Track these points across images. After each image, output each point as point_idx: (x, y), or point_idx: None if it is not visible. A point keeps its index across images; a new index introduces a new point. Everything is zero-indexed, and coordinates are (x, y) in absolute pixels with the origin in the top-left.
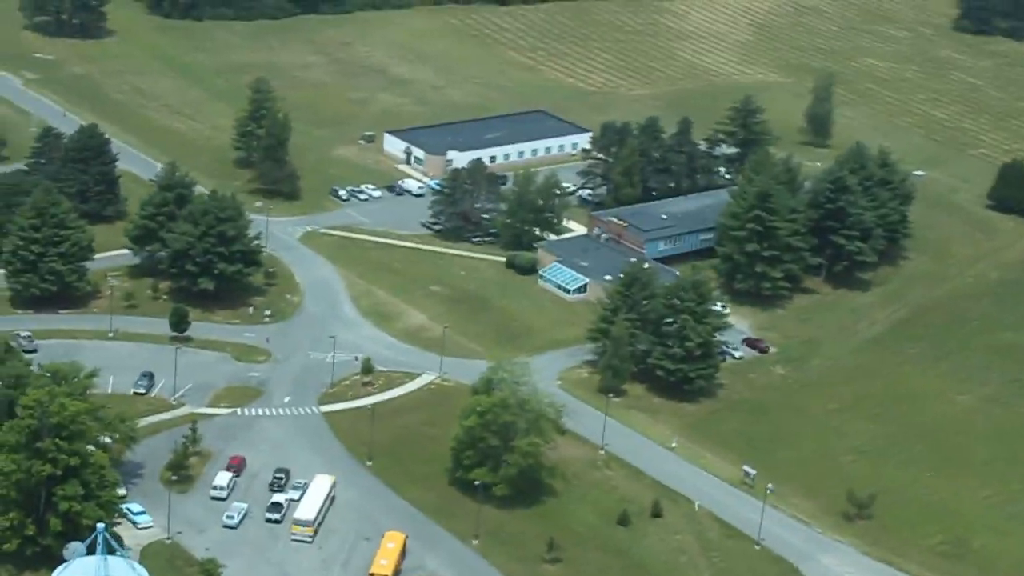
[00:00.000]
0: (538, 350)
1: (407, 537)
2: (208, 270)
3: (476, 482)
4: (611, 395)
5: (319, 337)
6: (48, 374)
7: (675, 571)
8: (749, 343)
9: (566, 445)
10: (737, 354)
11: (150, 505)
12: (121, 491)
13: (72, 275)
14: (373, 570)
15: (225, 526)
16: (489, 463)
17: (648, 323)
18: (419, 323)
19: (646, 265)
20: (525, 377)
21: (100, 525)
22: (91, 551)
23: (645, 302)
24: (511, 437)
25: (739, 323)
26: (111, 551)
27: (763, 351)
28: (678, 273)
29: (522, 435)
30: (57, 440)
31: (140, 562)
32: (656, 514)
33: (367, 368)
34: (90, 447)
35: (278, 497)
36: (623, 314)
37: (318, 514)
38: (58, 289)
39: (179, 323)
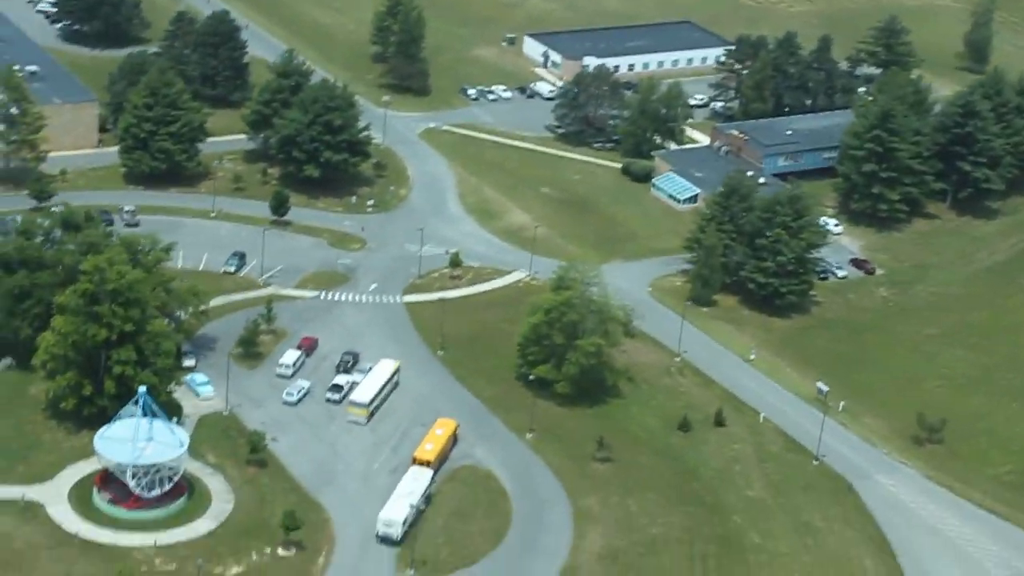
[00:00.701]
0: (636, 256)
1: (458, 426)
2: (314, 157)
3: (531, 376)
4: (689, 303)
5: (418, 229)
6: (122, 244)
7: (726, 479)
8: (856, 263)
9: (641, 350)
10: (840, 273)
11: (218, 379)
12: (189, 362)
13: (182, 155)
14: (417, 454)
15: (284, 403)
16: (553, 360)
17: (744, 235)
18: (521, 223)
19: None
20: (596, 278)
21: (142, 388)
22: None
23: (743, 214)
24: (576, 336)
25: (851, 243)
26: (153, 415)
27: (869, 272)
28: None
29: (587, 335)
30: (113, 306)
31: (195, 431)
32: (719, 423)
33: (455, 262)
34: (162, 319)
35: (340, 379)
36: (720, 225)
37: (375, 398)
38: (168, 167)
39: (279, 207)
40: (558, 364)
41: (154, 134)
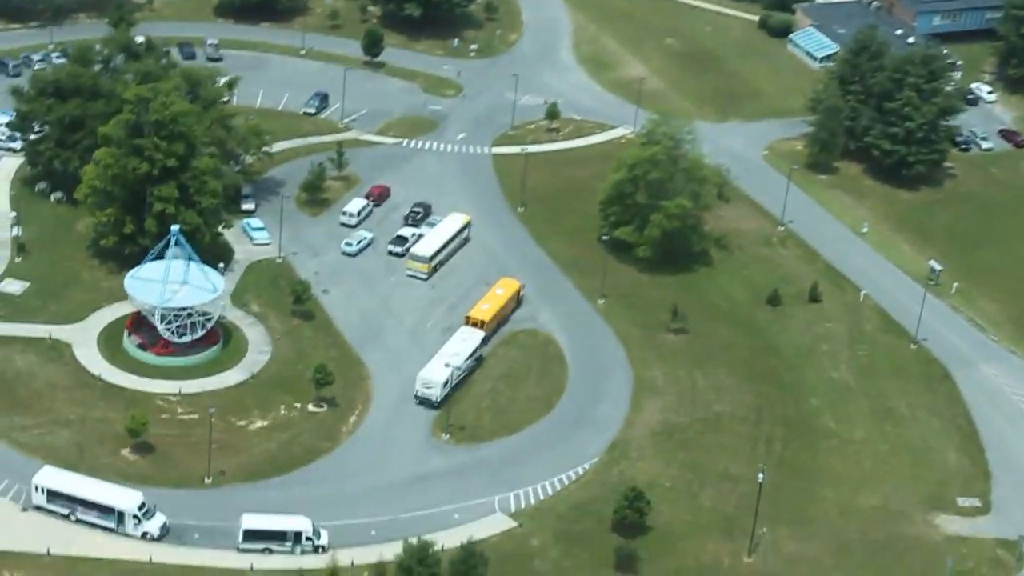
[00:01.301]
0: (757, 116)
1: (523, 287)
2: None
3: (604, 237)
4: (796, 167)
5: (521, 78)
6: (182, 76)
7: (808, 359)
8: (1005, 135)
9: (742, 216)
10: (986, 145)
11: (277, 224)
12: (248, 205)
13: None
14: (471, 313)
15: (343, 253)
16: (635, 222)
17: (872, 97)
18: (635, 75)
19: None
20: (689, 135)
21: (175, 228)
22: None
23: (872, 74)
24: (660, 196)
25: (1004, 113)
26: (188, 257)
27: (1019, 145)
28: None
29: (673, 196)
30: (156, 139)
31: (242, 277)
32: (813, 298)
33: (552, 113)
34: (213, 156)
35: (405, 231)
36: (847, 85)
37: (438, 252)
38: (261, 0)
39: (371, 46)
40: (640, 226)
41: None
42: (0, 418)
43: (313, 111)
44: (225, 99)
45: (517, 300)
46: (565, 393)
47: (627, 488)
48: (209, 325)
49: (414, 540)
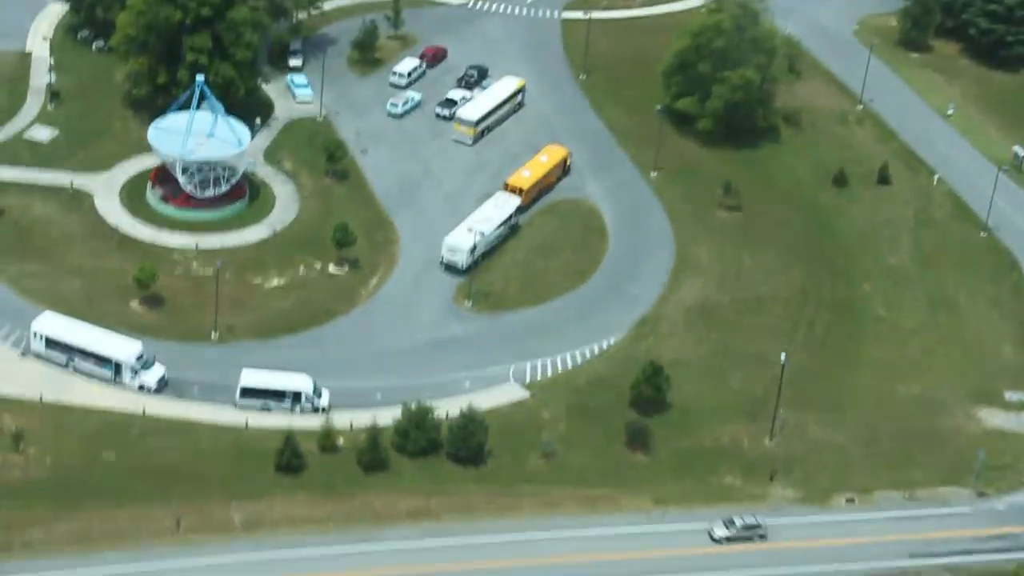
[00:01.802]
0: None
1: (570, 154)
2: None
3: (658, 107)
4: (874, 42)
5: None
6: None
7: (867, 243)
8: None
9: (820, 92)
10: None
11: (326, 83)
12: (295, 61)
13: None
14: (509, 179)
15: (388, 114)
16: (698, 93)
17: None
18: None
19: None
20: (760, 2)
21: (199, 78)
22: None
23: None
24: (724, 66)
25: None
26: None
27: None
28: None
29: (738, 66)
30: None
31: (280, 134)
32: (883, 180)
33: None
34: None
35: (455, 93)
36: None
37: (486, 116)
38: None
39: None
40: (703, 98)
41: None
42: (12, 264)
43: None
44: None
45: (563, 168)
46: (601, 266)
47: (646, 363)
48: (233, 180)
49: (414, 404)
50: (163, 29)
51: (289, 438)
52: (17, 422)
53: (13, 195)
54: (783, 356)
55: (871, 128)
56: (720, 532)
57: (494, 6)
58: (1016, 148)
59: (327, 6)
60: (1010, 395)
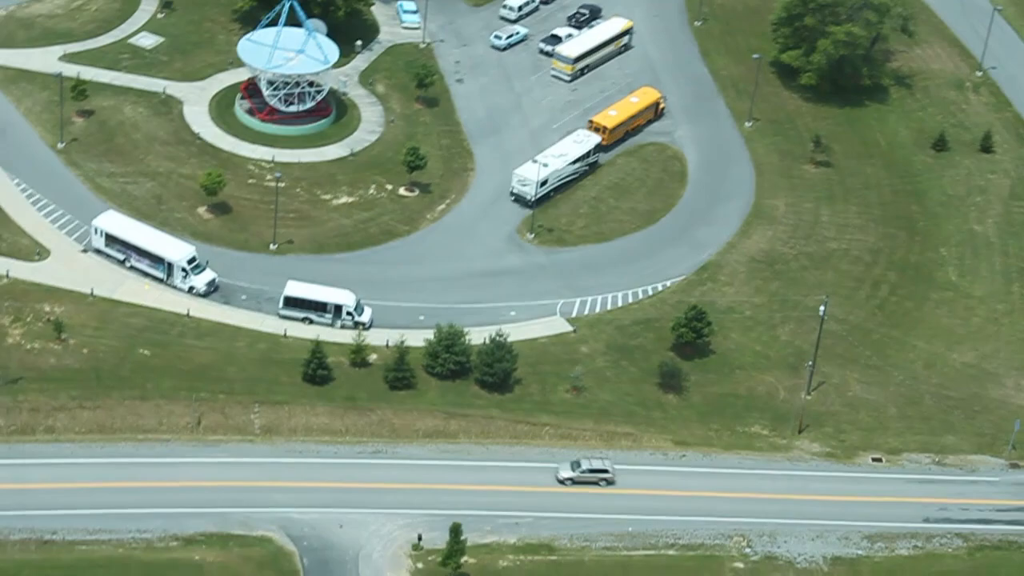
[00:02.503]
0: None
1: (663, 98)
2: None
3: (755, 55)
4: (997, 7)
5: None
6: None
7: (955, 209)
8: None
9: (940, 56)
10: None
11: (439, 11)
12: None
13: None
14: (594, 117)
15: (492, 46)
16: (804, 46)
17: None
18: None
19: None
20: None
21: None
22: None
23: None
24: (831, 21)
25: None
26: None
27: None
28: None
29: (845, 22)
30: None
31: (379, 57)
32: (986, 148)
33: None
34: None
35: (561, 30)
36: None
37: (586, 54)
38: None
39: None
40: (808, 52)
41: None
42: (91, 162)
43: None
44: None
45: (656, 111)
46: (673, 210)
47: (689, 306)
48: (319, 97)
49: (447, 327)
50: None
51: (316, 349)
52: (64, 313)
53: (107, 97)
54: (822, 309)
55: (987, 96)
56: (564, 473)
57: None
58: None
59: None
60: None
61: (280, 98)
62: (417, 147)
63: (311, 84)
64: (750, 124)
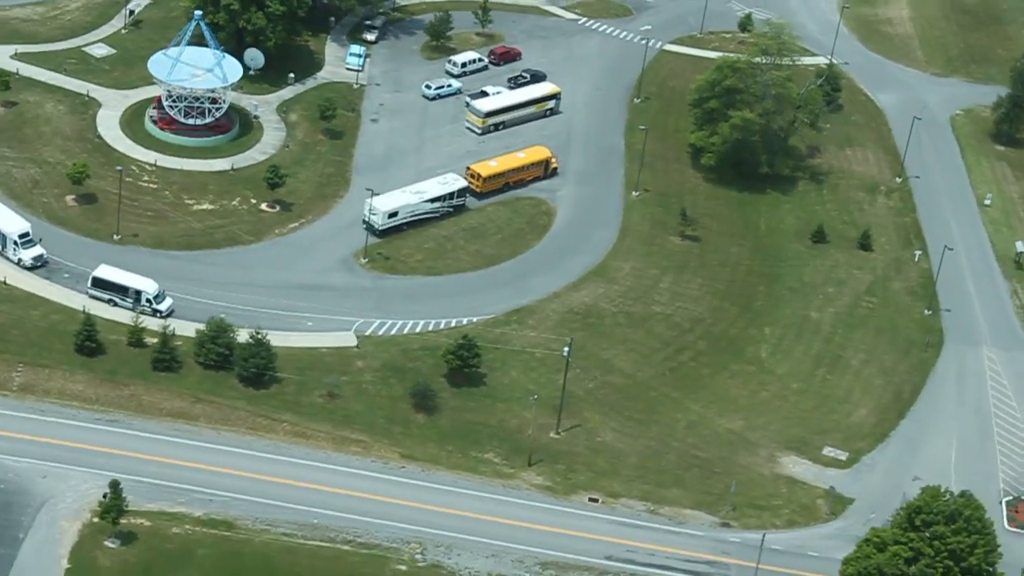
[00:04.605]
0: (983, 80)
1: (554, 158)
2: None
3: (642, 127)
4: (916, 117)
5: None
6: None
7: (800, 295)
8: None
9: (870, 160)
10: None
11: (390, 60)
12: (369, 35)
13: None
14: (473, 165)
15: (422, 95)
16: (708, 128)
17: None
18: (891, 15)
19: None
20: (790, 47)
21: (197, 12)
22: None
23: None
24: (731, 105)
25: None
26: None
27: None
28: None
29: (745, 107)
30: None
31: (311, 90)
32: (864, 246)
33: (746, 25)
34: None
35: (491, 88)
36: None
37: (499, 111)
38: None
39: None
40: (712, 133)
41: None
42: (1, 146)
43: None
44: None
45: (545, 170)
46: (516, 258)
47: (461, 334)
48: (218, 114)
49: (217, 320)
50: None
51: (87, 322)
52: None
53: (36, 93)
54: (566, 349)
55: (896, 200)
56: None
57: (603, 27)
58: (1020, 243)
59: None
60: (828, 450)
61: (179, 110)
62: (277, 166)
63: (213, 101)
64: (637, 194)
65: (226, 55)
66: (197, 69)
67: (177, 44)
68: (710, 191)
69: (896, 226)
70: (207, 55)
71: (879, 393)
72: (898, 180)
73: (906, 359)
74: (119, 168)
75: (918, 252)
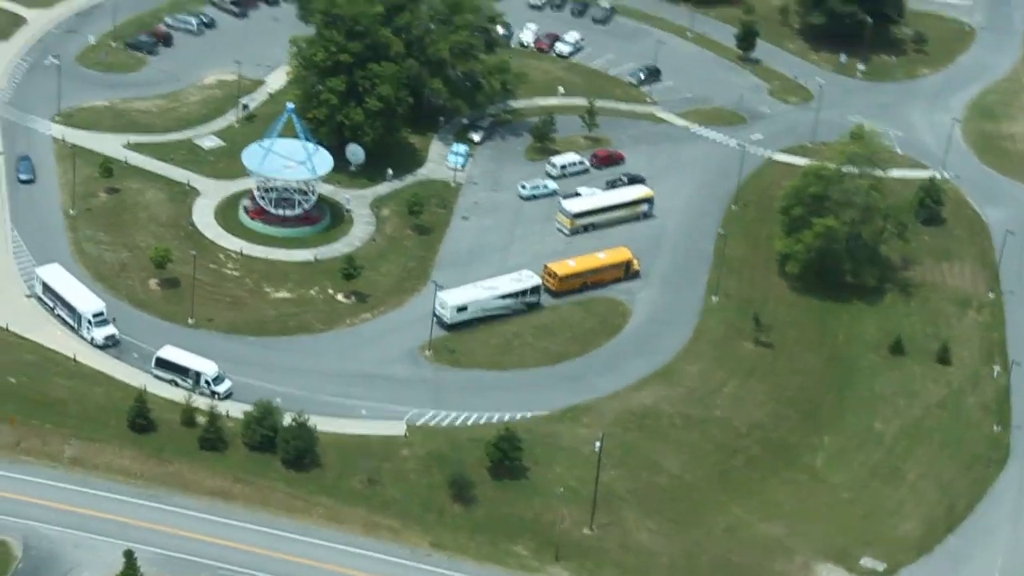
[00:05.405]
0: None
1: (636, 260)
2: None
3: (720, 230)
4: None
5: (887, 107)
6: None
7: (866, 407)
8: None
9: (965, 274)
10: None
11: (494, 160)
12: (475, 135)
13: None
14: (551, 264)
15: (518, 194)
16: (794, 235)
17: None
18: (1015, 131)
19: None
20: (883, 156)
21: (289, 105)
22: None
23: None
24: (816, 212)
25: None
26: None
27: None
28: None
29: (830, 215)
30: (335, 32)
31: (408, 186)
32: (942, 360)
33: (857, 135)
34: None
35: (584, 189)
36: None
37: (587, 212)
38: None
39: (743, 40)
40: (797, 241)
41: None
42: (89, 230)
43: (636, 82)
44: (501, 34)
45: (625, 271)
46: (582, 356)
47: (504, 427)
48: (307, 206)
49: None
50: (313, 67)
51: (139, 400)
52: None
53: (141, 181)
54: (597, 444)
55: (986, 316)
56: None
57: (713, 135)
58: None
59: (546, 101)
60: (865, 561)
61: (270, 200)
62: (353, 257)
63: (302, 192)
64: (716, 299)
65: (319, 148)
66: (289, 161)
67: (272, 136)
68: (793, 299)
69: (980, 341)
70: (299, 147)
71: (932, 507)
72: (991, 295)
73: (967, 474)
74: (193, 252)
75: (997, 368)
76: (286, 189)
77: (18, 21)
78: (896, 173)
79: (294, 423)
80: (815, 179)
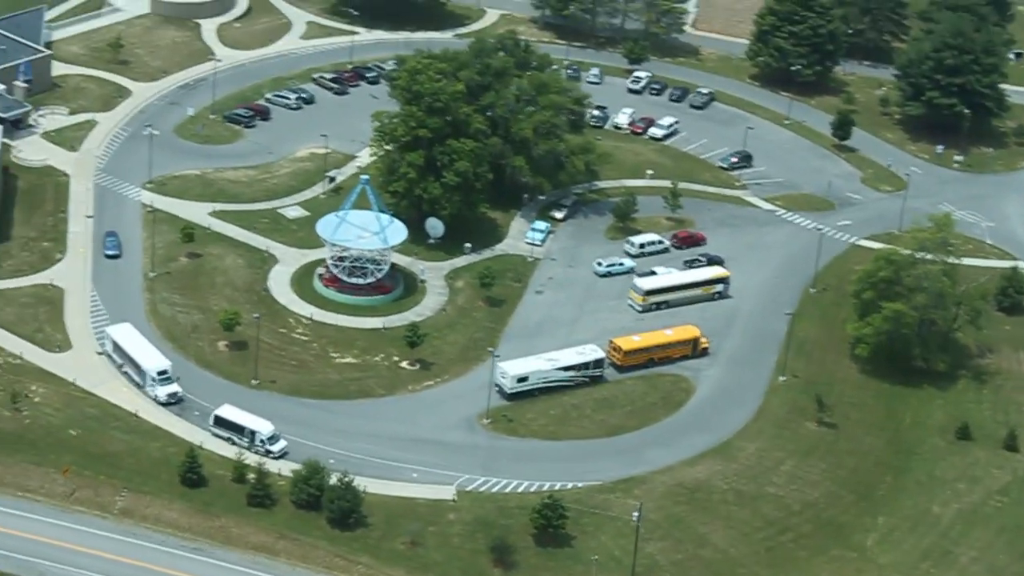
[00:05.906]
0: None
1: (703, 338)
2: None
3: (787, 312)
4: None
5: (982, 197)
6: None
7: (926, 488)
8: None
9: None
10: None
11: (573, 237)
12: (558, 214)
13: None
14: (616, 339)
15: (594, 271)
16: (866, 318)
17: None
18: None
19: None
20: (953, 246)
21: (364, 177)
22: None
23: None
24: (885, 297)
25: None
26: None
27: None
28: None
29: (901, 299)
30: (417, 107)
31: (485, 260)
32: (1010, 447)
33: (942, 224)
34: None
35: (661, 268)
36: None
37: (659, 290)
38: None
39: (839, 128)
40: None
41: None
42: (166, 292)
43: (726, 166)
44: (595, 116)
45: (693, 348)
46: (641, 430)
47: (547, 495)
48: (379, 275)
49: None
50: (393, 141)
51: (190, 455)
52: (38, 392)
53: (222, 247)
54: (635, 515)
55: None
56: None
57: (799, 219)
58: None
59: (634, 183)
60: None
61: (343, 269)
62: (416, 325)
63: (374, 262)
64: (784, 379)
65: (393, 219)
66: (363, 231)
67: (346, 207)
68: (861, 381)
69: None
70: (373, 218)
71: None
72: None
73: (1021, 561)
74: (256, 316)
75: None
76: (359, 258)
77: (123, 92)
78: (982, 263)
79: (340, 483)
80: (886, 263)
